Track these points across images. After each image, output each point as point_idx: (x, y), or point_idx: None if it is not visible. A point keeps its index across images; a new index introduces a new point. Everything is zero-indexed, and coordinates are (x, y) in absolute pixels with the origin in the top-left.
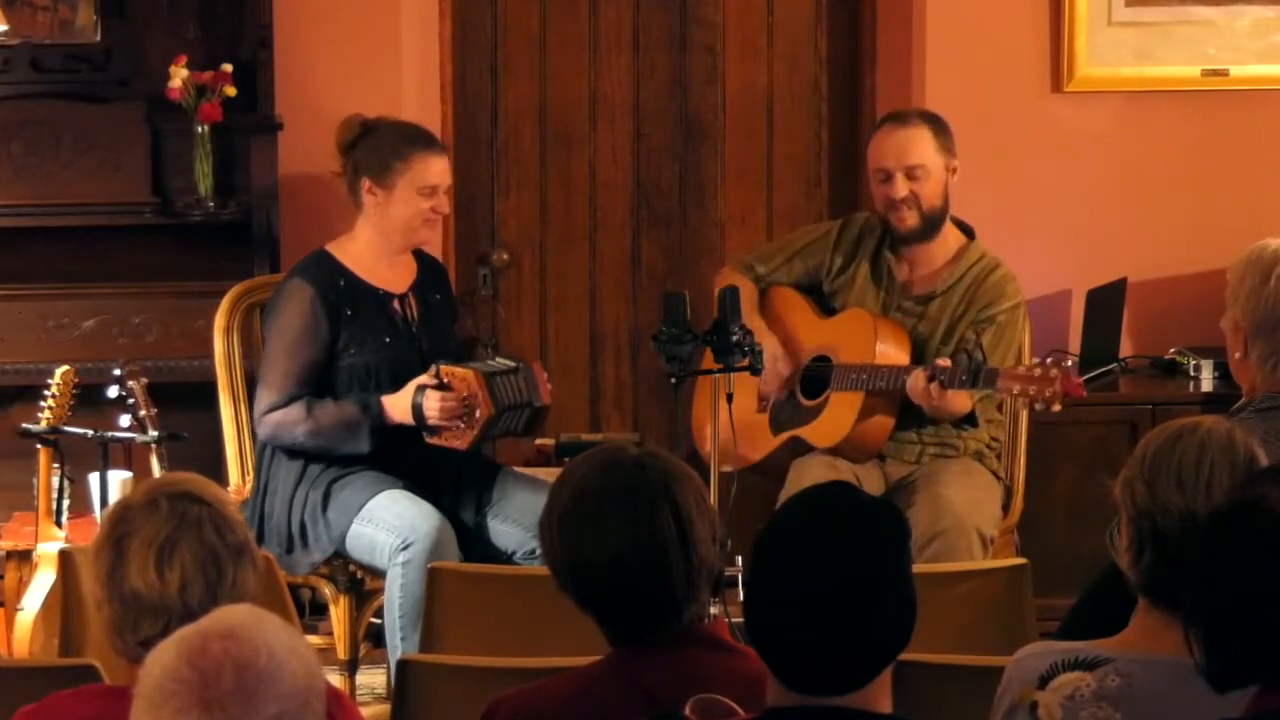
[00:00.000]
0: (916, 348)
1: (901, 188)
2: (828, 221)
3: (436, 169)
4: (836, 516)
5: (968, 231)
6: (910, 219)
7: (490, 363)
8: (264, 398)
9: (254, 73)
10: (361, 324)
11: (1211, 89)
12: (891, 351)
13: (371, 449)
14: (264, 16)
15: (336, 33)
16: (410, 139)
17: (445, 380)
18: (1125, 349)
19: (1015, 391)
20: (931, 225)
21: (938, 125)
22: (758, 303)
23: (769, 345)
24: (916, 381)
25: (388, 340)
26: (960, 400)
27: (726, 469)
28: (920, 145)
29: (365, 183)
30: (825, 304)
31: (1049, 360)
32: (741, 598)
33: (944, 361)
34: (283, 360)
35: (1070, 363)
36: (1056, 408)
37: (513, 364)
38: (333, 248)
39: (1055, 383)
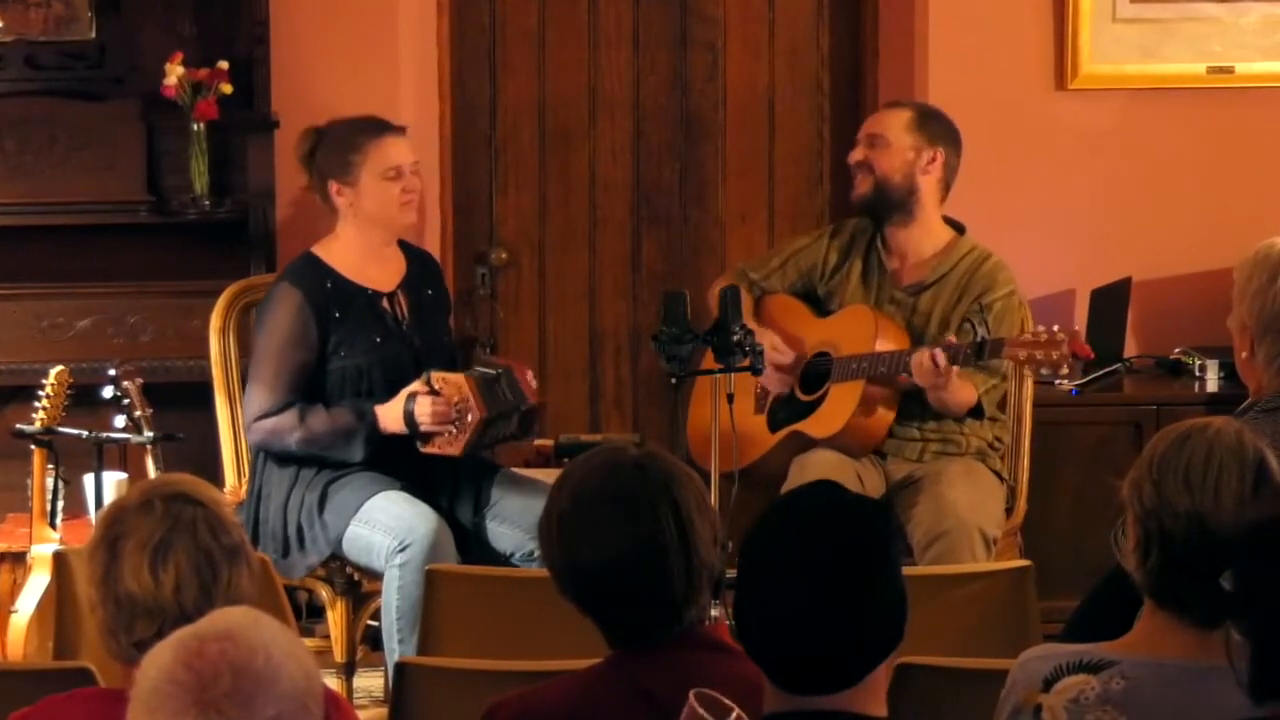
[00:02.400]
0: (914, 340)
1: (858, 153)
2: (820, 228)
3: (395, 150)
4: (819, 515)
5: (958, 228)
6: (862, 185)
7: (480, 369)
8: (254, 403)
9: (250, 70)
10: (351, 325)
11: (1217, 86)
12: (892, 341)
13: (365, 457)
14: (260, 13)
15: (333, 30)
16: (361, 129)
17: (437, 386)
18: (1130, 349)
19: (1022, 358)
20: (887, 201)
21: (925, 113)
22: (753, 310)
23: (768, 339)
24: (922, 359)
25: (378, 340)
26: (966, 391)
27: (726, 470)
28: (889, 121)
29: (332, 185)
30: (821, 308)
31: (1056, 327)
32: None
33: (951, 338)
34: (272, 365)
35: (1076, 327)
36: (1065, 370)
37: (494, 371)
38: (318, 249)
39: (1063, 345)
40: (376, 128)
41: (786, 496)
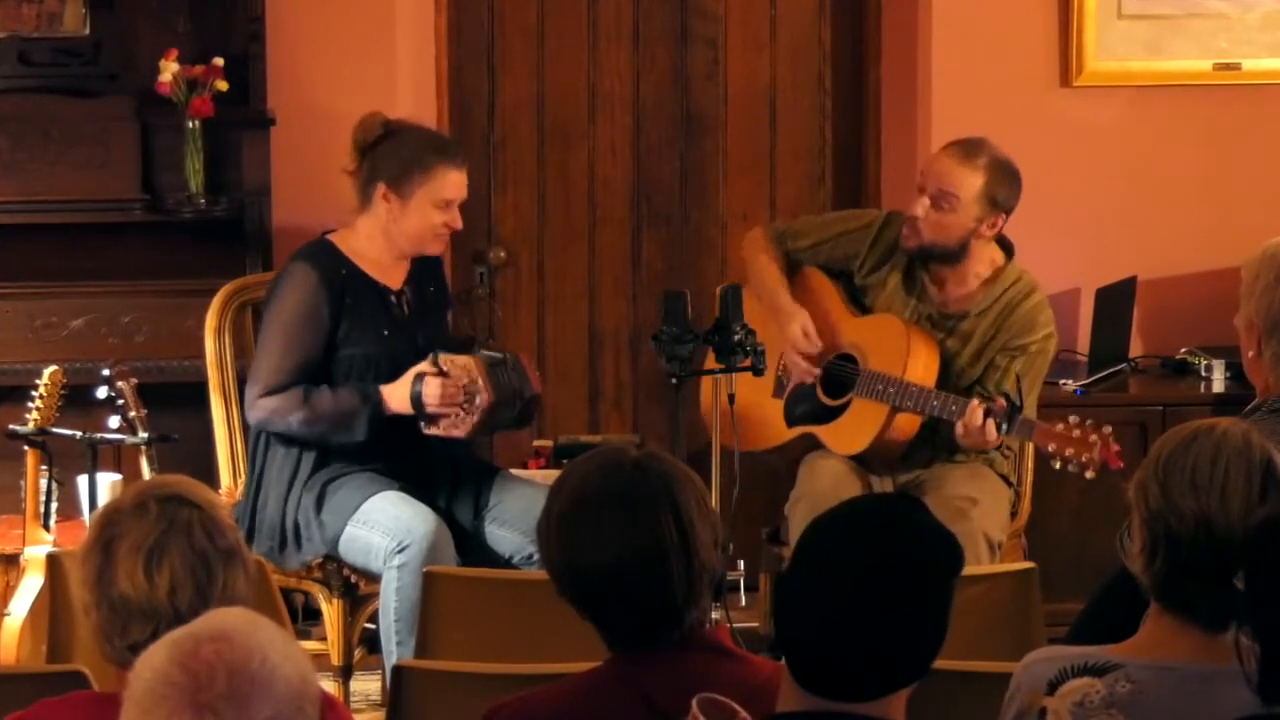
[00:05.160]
0: (943, 364)
1: (919, 208)
2: (871, 211)
3: (455, 183)
4: (896, 529)
5: (1007, 249)
6: (910, 240)
7: (486, 352)
8: (258, 381)
9: (246, 67)
10: (361, 315)
11: (1223, 83)
12: (921, 368)
13: (368, 438)
14: (256, 9)
15: (329, 26)
16: (435, 149)
17: (445, 368)
18: (1135, 348)
19: (1050, 449)
20: (935, 255)
21: (998, 177)
22: (786, 273)
23: (800, 321)
24: (974, 416)
25: (386, 333)
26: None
27: (727, 446)
28: (960, 182)
29: (380, 187)
30: (855, 294)
31: (1089, 423)
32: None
33: (1001, 402)
34: (281, 344)
35: (1109, 429)
36: (1091, 474)
37: (500, 355)
38: (335, 238)
39: (1094, 449)
40: (449, 153)
41: (865, 503)
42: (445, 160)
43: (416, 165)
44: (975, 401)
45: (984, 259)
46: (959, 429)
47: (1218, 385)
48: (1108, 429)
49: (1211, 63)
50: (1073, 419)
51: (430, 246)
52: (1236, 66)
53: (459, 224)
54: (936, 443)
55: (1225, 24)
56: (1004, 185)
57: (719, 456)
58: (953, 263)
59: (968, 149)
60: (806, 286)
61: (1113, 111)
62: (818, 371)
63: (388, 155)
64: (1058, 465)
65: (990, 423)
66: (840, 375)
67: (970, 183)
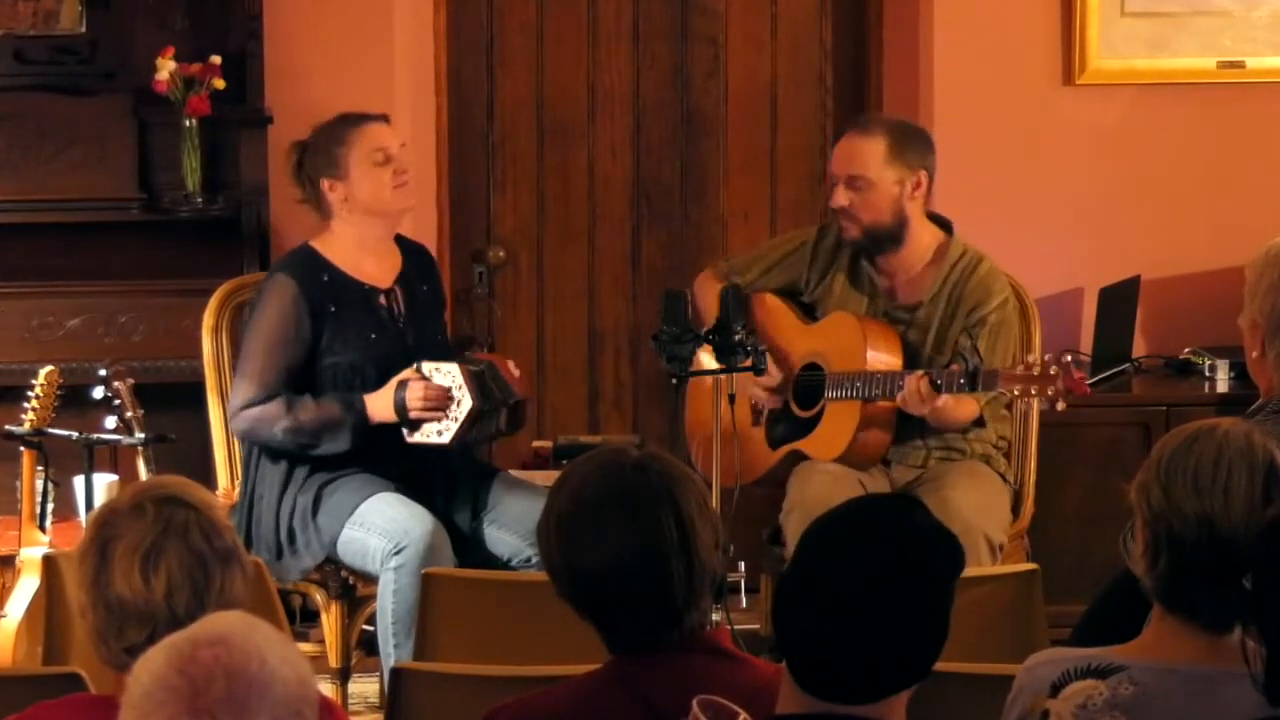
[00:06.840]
0: (908, 355)
1: (841, 197)
2: (804, 229)
3: (380, 134)
4: (897, 535)
5: (945, 227)
6: (851, 230)
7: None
8: (241, 392)
9: (243, 65)
10: (345, 321)
11: (1227, 81)
12: (883, 356)
13: (352, 448)
14: (253, 7)
15: (327, 23)
16: (341, 122)
17: (428, 374)
18: (1138, 348)
19: (1017, 392)
20: (877, 239)
21: (900, 137)
22: None
23: None
24: (911, 391)
25: (373, 337)
26: (967, 407)
27: (727, 485)
28: (866, 156)
29: (324, 184)
30: (809, 309)
31: (1047, 357)
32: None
33: (955, 367)
34: (262, 356)
35: (1069, 358)
36: (1061, 406)
37: (478, 367)
38: (316, 243)
39: (1056, 380)
40: (357, 118)
41: (865, 504)
42: (358, 124)
43: (336, 144)
44: (919, 373)
45: (924, 240)
46: (898, 400)
47: (1222, 385)
48: (1067, 358)
49: (1215, 61)
50: (1030, 358)
51: (395, 203)
52: (1241, 65)
53: (409, 168)
54: (928, 437)
55: (1229, 22)
56: (909, 144)
57: (719, 464)
58: (895, 246)
59: (861, 124)
60: (759, 312)
61: (1116, 110)
62: (780, 399)
63: (311, 157)
64: (1026, 405)
65: (924, 381)
66: (810, 385)
67: (873, 151)
